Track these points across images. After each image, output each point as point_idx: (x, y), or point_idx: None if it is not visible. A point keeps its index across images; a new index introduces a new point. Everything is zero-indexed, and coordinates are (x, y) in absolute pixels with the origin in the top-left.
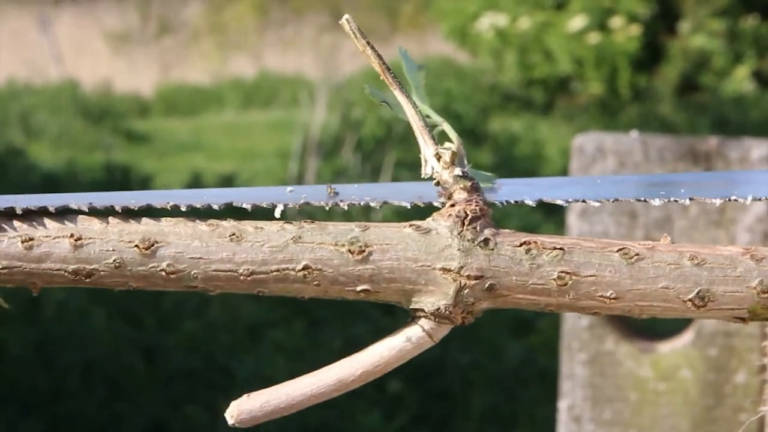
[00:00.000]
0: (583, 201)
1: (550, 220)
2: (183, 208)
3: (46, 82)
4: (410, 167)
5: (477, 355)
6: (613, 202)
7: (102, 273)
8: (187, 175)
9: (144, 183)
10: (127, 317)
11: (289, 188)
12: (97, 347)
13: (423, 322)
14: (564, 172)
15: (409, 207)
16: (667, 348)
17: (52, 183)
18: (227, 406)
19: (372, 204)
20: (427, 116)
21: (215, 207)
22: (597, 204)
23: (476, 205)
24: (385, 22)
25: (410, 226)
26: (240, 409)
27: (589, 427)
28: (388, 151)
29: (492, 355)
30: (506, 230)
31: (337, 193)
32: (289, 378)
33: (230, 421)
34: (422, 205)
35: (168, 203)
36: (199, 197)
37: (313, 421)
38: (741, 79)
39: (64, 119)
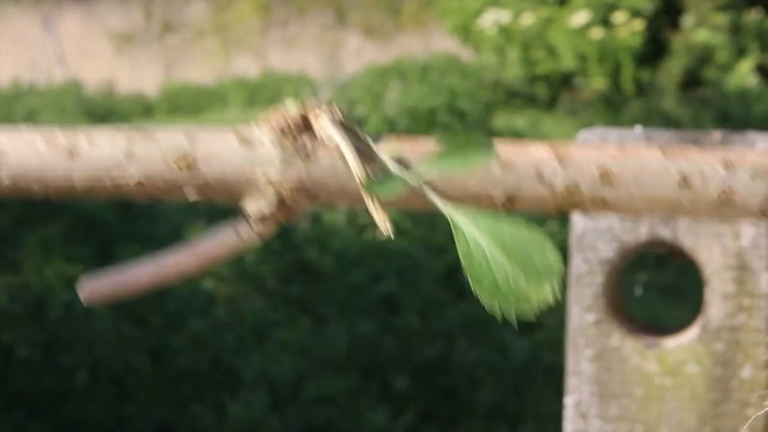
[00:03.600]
0: None
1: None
2: None
3: (50, 83)
4: None
5: (483, 353)
6: None
7: None
8: None
9: None
10: (132, 318)
11: None
12: (103, 348)
13: (251, 221)
14: None
15: None
16: (672, 343)
17: None
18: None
19: None
20: None
21: None
22: None
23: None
24: (388, 19)
25: (235, 135)
26: (89, 287)
27: (595, 423)
28: None
29: (498, 353)
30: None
31: None
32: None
33: (81, 297)
34: None
35: None
36: None
37: (318, 420)
38: (744, 74)
39: (68, 120)
